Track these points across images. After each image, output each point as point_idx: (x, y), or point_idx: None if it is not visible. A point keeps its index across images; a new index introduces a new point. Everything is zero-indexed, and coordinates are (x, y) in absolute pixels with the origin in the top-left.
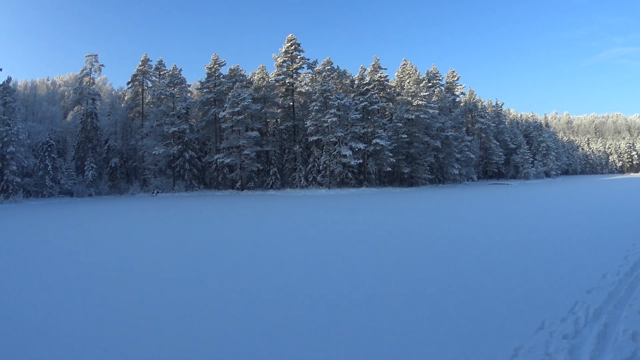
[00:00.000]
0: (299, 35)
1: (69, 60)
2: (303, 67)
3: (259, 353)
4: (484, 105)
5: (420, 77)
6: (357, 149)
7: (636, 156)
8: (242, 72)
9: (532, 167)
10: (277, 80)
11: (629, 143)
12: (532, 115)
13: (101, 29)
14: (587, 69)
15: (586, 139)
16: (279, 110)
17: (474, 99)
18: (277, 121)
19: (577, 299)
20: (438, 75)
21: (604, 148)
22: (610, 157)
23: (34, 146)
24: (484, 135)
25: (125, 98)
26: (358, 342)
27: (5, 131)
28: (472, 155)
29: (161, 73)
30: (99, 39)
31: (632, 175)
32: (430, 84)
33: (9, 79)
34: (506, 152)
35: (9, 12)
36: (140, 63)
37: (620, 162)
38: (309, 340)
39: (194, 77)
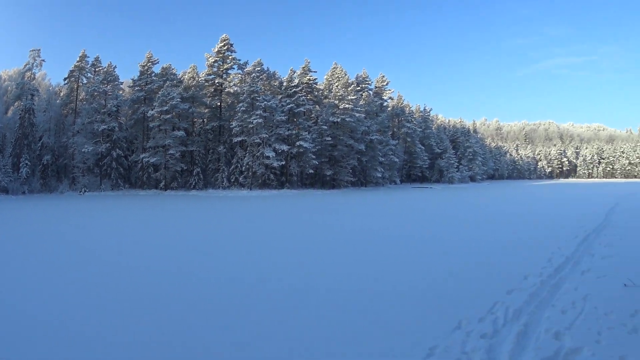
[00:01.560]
0: (239, 37)
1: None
2: (234, 68)
3: None
4: (412, 110)
5: (349, 81)
6: (280, 151)
7: (567, 162)
8: (174, 71)
9: (456, 171)
10: (206, 80)
11: (560, 150)
12: (460, 121)
13: (48, 21)
14: (524, 78)
15: (515, 145)
16: (206, 110)
17: (401, 103)
18: (203, 121)
19: (496, 300)
20: (367, 79)
21: (533, 154)
22: (539, 163)
23: None
24: (409, 140)
25: (61, 94)
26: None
27: None
28: (396, 159)
29: (97, 70)
30: (46, 33)
31: (562, 180)
32: (359, 88)
33: None
34: (431, 156)
35: None
36: (78, 59)
37: (550, 168)
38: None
39: (131, 75)
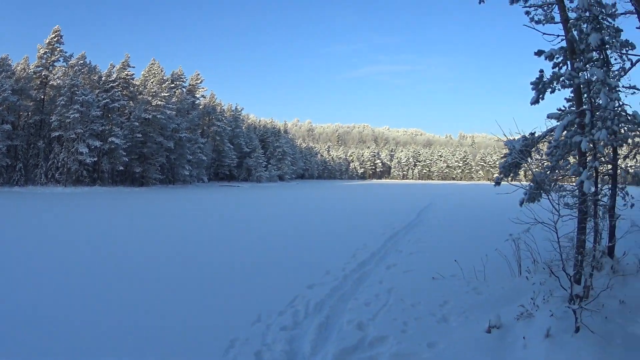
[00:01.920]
0: (76, 30)
1: None
2: (59, 60)
3: None
4: (223, 109)
5: (164, 78)
6: (93, 147)
7: (380, 164)
8: (10, 62)
9: (265, 170)
10: (35, 72)
11: (374, 152)
12: (271, 122)
13: None
14: (344, 82)
15: (327, 146)
16: (31, 103)
17: (214, 102)
18: (28, 114)
19: (297, 294)
20: (183, 77)
21: (346, 155)
22: (351, 164)
23: None
24: (218, 138)
25: None
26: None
27: None
28: (204, 158)
29: None
30: None
31: (374, 181)
32: (173, 85)
33: None
34: (240, 155)
35: None
36: None
37: (363, 169)
38: None
39: None
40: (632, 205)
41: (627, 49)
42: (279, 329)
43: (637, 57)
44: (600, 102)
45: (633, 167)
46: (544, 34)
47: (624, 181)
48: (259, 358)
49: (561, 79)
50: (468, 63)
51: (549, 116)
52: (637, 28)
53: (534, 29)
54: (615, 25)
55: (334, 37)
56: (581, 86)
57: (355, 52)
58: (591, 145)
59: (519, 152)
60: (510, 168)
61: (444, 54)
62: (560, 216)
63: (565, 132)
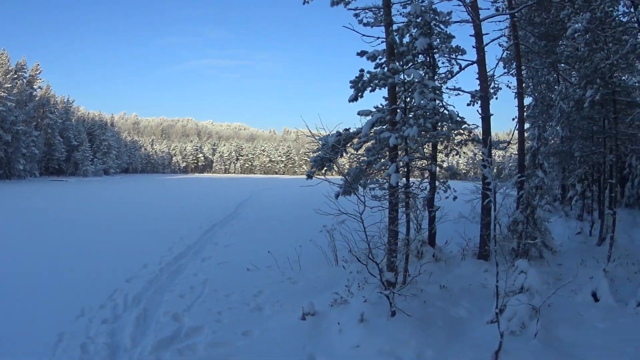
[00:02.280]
0: None
1: None
2: None
3: None
4: (57, 101)
5: (10, 68)
6: None
7: (202, 158)
8: None
9: (91, 164)
10: None
11: (197, 146)
12: (99, 114)
13: None
14: (171, 75)
15: (151, 140)
16: None
17: (49, 94)
18: None
19: (116, 288)
20: (25, 67)
21: (169, 149)
22: (174, 158)
23: None
24: (49, 131)
25: None
26: None
27: None
28: (37, 151)
29: None
30: None
31: (197, 175)
32: (16, 76)
33: None
34: (69, 148)
35: None
36: None
37: (185, 163)
38: None
39: None
40: (455, 197)
41: (457, 54)
42: (101, 322)
43: (466, 62)
44: (414, 101)
45: (446, 162)
46: (364, 35)
47: (445, 176)
48: (85, 351)
49: (375, 80)
50: (297, 60)
51: (359, 113)
52: (470, 35)
53: (354, 30)
54: (448, 32)
55: (167, 29)
56: (397, 86)
57: (187, 45)
58: (402, 142)
59: (331, 147)
60: (322, 162)
61: (273, 50)
62: (366, 207)
63: (376, 128)
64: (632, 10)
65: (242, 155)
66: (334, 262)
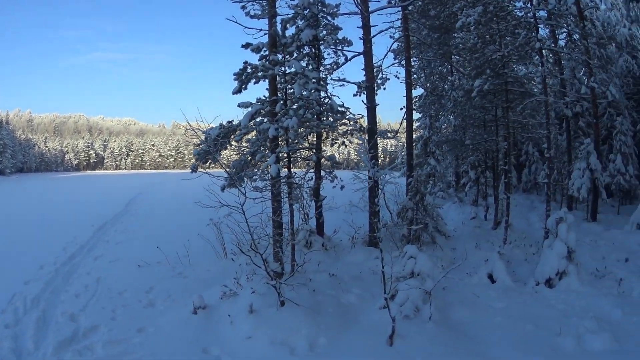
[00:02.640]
0: None
1: None
2: None
3: None
4: None
5: None
6: None
7: (94, 155)
8: None
9: None
10: None
11: (88, 142)
12: None
13: None
14: (66, 69)
15: (44, 138)
16: None
17: None
18: None
19: (15, 291)
20: None
21: (61, 147)
22: (66, 156)
23: None
24: None
25: None
26: None
27: None
28: None
29: None
30: None
31: (89, 172)
32: None
33: None
34: None
35: None
36: None
37: (77, 161)
38: None
39: None
40: (342, 187)
41: (343, 45)
42: (4, 326)
43: (353, 53)
44: (295, 92)
45: (332, 152)
46: (246, 27)
47: (331, 166)
48: None
49: (257, 72)
50: (187, 53)
51: (240, 105)
52: (358, 27)
53: (237, 22)
54: (335, 24)
55: (61, 22)
56: (277, 77)
57: (81, 38)
58: (282, 132)
59: (214, 139)
60: (205, 155)
61: (164, 43)
62: (247, 199)
63: (257, 119)
64: (528, 5)
65: (132, 151)
66: (222, 255)
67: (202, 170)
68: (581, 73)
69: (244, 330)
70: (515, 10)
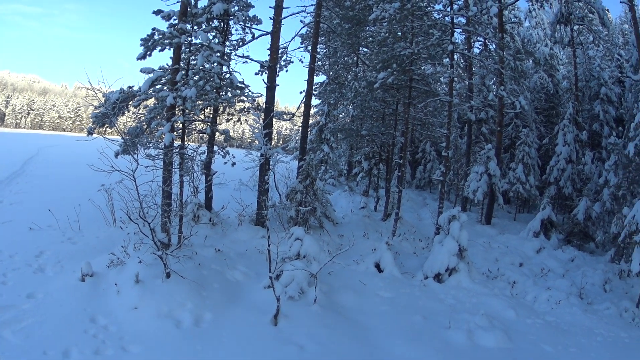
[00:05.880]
0: None
1: None
2: None
3: None
4: None
5: None
6: None
7: None
8: None
9: None
10: None
11: None
12: None
13: None
14: None
15: None
16: None
17: None
18: None
19: None
20: None
21: None
22: None
23: None
24: None
25: None
26: None
27: None
28: None
29: None
30: None
31: None
32: None
33: None
34: None
35: None
36: None
37: None
38: None
39: None
40: (234, 163)
41: (253, 23)
42: None
43: (261, 32)
44: (197, 63)
45: (227, 128)
46: None
47: (224, 141)
48: None
49: (164, 40)
50: (101, 13)
51: (142, 71)
52: (270, 7)
53: None
54: (248, 1)
55: None
56: (183, 47)
57: None
58: (180, 102)
59: (113, 103)
60: (102, 118)
61: (80, 2)
62: (140, 166)
63: (157, 86)
64: (448, 9)
65: (33, 110)
66: (112, 223)
67: (97, 135)
68: (491, 82)
69: (130, 300)
70: (433, 12)
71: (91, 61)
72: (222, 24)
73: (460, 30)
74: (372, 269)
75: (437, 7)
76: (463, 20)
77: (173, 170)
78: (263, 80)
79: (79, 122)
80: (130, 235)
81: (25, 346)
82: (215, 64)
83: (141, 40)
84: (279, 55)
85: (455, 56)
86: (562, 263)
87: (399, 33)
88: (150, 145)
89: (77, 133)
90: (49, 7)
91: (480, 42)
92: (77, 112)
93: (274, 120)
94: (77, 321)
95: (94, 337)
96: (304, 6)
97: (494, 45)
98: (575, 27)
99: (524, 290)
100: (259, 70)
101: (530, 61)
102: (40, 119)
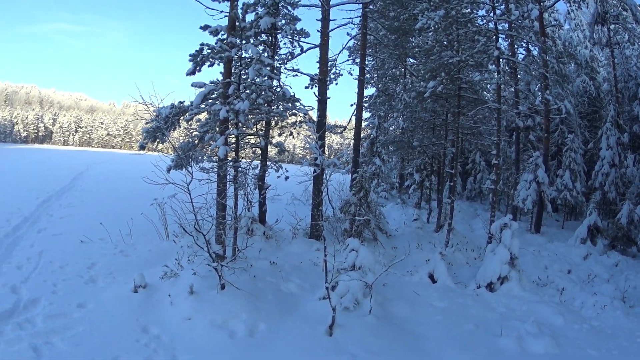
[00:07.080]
0: None
1: None
2: None
3: None
4: None
5: None
6: None
7: (43, 128)
8: None
9: None
10: None
11: (38, 115)
12: None
13: None
14: (22, 37)
15: None
16: None
17: None
18: None
19: None
20: None
21: (11, 117)
22: (15, 127)
23: None
24: None
25: None
26: None
27: None
28: None
29: None
30: None
31: (37, 146)
32: None
33: None
34: None
35: None
36: None
37: (26, 133)
38: None
39: None
40: (287, 177)
41: (301, 36)
42: None
43: (309, 45)
44: (248, 77)
45: (279, 140)
46: (207, 7)
47: (278, 153)
48: None
49: (213, 54)
50: (145, 31)
51: (194, 85)
52: (317, 20)
53: (199, 2)
54: (295, 14)
55: None
56: (233, 60)
57: (38, 5)
58: (233, 115)
59: (164, 118)
60: (154, 133)
61: (123, 19)
62: (194, 179)
63: (209, 100)
64: (491, 15)
65: (81, 127)
66: (164, 236)
67: (149, 151)
68: (536, 88)
69: (184, 311)
70: (477, 19)
71: (138, 79)
72: (270, 38)
73: (504, 36)
74: (425, 280)
75: (480, 13)
76: (506, 25)
77: (227, 183)
78: (314, 93)
79: (128, 140)
80: (184, 248)
81: (74, 352)
82: (266, 78)
83: (190, 55)
84: (329, 67)
85: (500, 62)
86: (607, 268)
87: (445, 42)
88: (204, 159)
89: (126, 150)
90: (92, 25)
91: (523, 48)
92: (126, 130)
93: (325, 133)
94: (129, 330)
95: (146, 346)
96: (350, 18)
97: (536, 50)
98: (612, 27)
99: (571, 297)
100: (309, 84)
101: (572, 65)
102: (88, 136)
